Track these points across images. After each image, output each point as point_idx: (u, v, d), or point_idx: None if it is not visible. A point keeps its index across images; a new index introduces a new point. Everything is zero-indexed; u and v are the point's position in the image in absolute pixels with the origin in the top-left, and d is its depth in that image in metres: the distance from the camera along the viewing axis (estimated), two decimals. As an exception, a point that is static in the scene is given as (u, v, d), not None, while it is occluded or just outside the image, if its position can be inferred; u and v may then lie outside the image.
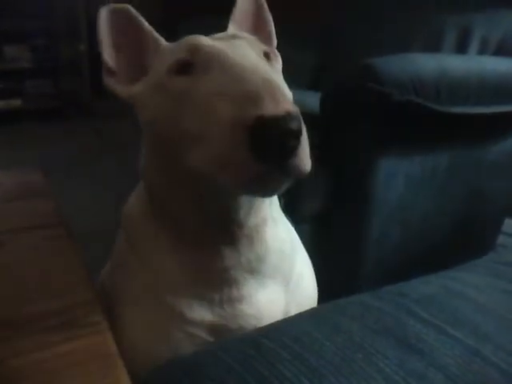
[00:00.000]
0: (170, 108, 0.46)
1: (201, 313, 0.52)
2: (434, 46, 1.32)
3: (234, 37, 0.51)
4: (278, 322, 0.48)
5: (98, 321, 0.43)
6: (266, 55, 0.50)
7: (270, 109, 0.36)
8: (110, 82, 0.55)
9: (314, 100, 0.99)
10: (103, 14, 0.54)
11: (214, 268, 0.51)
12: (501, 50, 1.24)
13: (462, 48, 1.29)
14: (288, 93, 0.48)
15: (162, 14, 2.88)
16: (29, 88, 3.09)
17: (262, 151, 0.36)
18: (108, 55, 0.55)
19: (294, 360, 0.39)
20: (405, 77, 0.87)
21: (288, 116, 0.36)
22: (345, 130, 0.96)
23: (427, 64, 0.91)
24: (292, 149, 0.37)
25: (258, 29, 0.62)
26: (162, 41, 0.55)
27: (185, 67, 0.46)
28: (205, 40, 0.48)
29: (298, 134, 0.37)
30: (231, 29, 0.59)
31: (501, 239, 1.34)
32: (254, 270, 0.53)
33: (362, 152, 0.96)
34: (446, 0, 1.39)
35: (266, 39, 0.60)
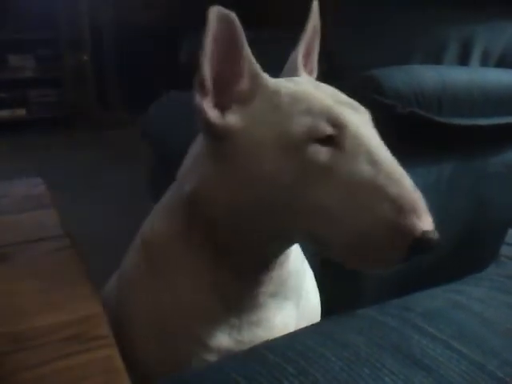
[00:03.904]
0: (302, 175, 0.44)
1: (218, 339, 0.52)
2: (435, 57, 1.33)
3: (354, 107, 0.48)
4: (283, 336, 0.47)
5: (104, 335, 0.43)
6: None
7: (428, 223, 0.42)
8: (202, 104, 0.47)
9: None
10: (212, 16, 0.44)
11: (247, 294, 0.52)
12: (503, 62, 1.24)
13: (463, 60, 1.29)
14: None
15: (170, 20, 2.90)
16: (33, 98, 3.10)
17: (415, 253, 0.42)
18: (207, 69, 0.46)
19: (300, 375, 0.38)
20: (407, 88, 0.87)
21: (435, 228, 0.43)
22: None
23: (429, 76, 0.91)
24: (434, 248, 0.43)
25: (307, 56, 0.60)
26: (260, 69, 0.49)
27: (326, 139, 0.45)
28: (348, 115, 0.46)
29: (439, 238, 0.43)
30: (299, 58, 0.57)
31: (504, 250, 1.34)
32: (276, 293, 0.54)
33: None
34: (447, 12, 1.40)
35: (311, 65, 0.60)
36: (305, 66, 0.59)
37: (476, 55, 1.28)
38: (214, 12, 0.44)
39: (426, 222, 0.42)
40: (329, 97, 0.48)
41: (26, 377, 0.39)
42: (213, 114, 0.47)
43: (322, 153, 0.44)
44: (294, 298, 0.57)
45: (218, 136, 0.48)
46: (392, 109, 0.85)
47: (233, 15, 0.45)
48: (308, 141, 0.44)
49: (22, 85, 3.06)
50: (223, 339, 0.52)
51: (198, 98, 0.47)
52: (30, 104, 3.11)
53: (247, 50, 0.48)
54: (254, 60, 0.48)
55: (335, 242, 0.44)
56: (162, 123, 1.44)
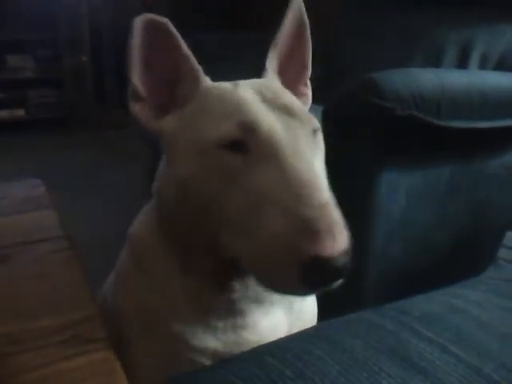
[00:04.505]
0: (213, 181, 0.43)
1: (204, 340, 0.51)
2: (434, 60, 1.33)
3: (287, 110, 0.46)
4: (281, 339, 0.48)
5: (102, 337, 0.43)
6: (314, 132, 0.48)
7: (327, 249, 0.36)
8: (134, 108, 0.48)
9: (315, 115, 1.00)
10: (139, 24, 0.46)
11: (222, 299, 0.51)
12: (501, 65, 1.25)
13: (462, 63, 1.30)
14: (324, 182, 0.44)
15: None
16: (32, 98, 3.10)
17: (310, 281, 0.38)
18: (137, 75, 0.47)
19: (297, 379, 0.39)
20: (406, 91, 0.87)
21: (342, 255, 0.37)
22: (346, 144, 0.97)
23: (428, 79, 0.91)
24: (339, 278, 0.39)
25: (295, 52, 0.57)
26: (201, 72, 0.49)
27: (237, 144, 0.43)
28: (264, 120, 0.43)
29: (347, 267, 0.38)
30: (271, 58, 0.55)
31: (502, 253, 1.34)
32: (261, 300, 0.53)
33: (363, 166, 0.96)
34: (446, 15, 1.40)
35: (301, 65, 0.58)
36: (289, 66, 0.57)
37: (475, 58, 1.28)
38: (141, 20, 0.45)
39: (321, 246, 0.36)
40: (262, 101, 0.46)
41: (25, 379, 0.39)
42: (145, 118, 0.48)
43: (228, 158, 0.42)
44: (284, 304, 0.56)
45: (160, 138, 0.49)
46: (391, 111, 0.85)
47: (165, 21, 0.46)
48: (218, 146, 0.43)
49: (21, 85, 3.06)
50: (209, 341, 0.52)
51: (131, 103, 0.48)
52: (29, 104, 3.10)
53: (186, 54, 0.48)
54: (194, 64, 0.49)
55: (242, 256, 0.42)
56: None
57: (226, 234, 0.43)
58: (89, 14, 3.04)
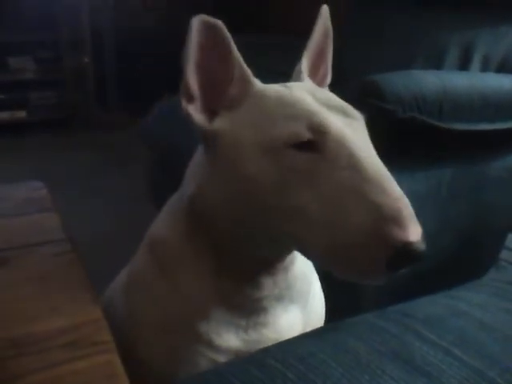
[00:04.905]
0: (281, 179, 0.44)
1: (227, 339, 0.52)
2: (435, 62, 1.33)
3: (343, 110, 0.47)
4: (283, 341, 0.47)
5: (105, 340, 0.43)
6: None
7: (413, 235, 0.39)
8: (189, 109, 0.48)
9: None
10: (196, 25, 0.46)
11: (251, 297, 0.52)
12: (503, 67, 1.25)
13: (464, 65, 1.29)
14: None
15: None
16: (33, 99, 3.10)
17: (396, 265, 0.40)
18: (191, 76, 0.48)
19: (300, 381, 0.39)
20: (408, 93, 0.87)
21: (423, 239, 0.40)
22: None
23: (430, 81, 0.92)
24: (420, 261, 0.41)
25: (319, 60, 0.59)
26: (251, 75, 0.50)
27: (306, 144, 0.44)
28: (332, 121, 0.45)
29: (426, 251, 0.40)
30: (304, 63, 0.57)
31: (504, 254, 1.34)
32: (283, 297, 0.54)
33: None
34: (447, 16, 1.40)
35: (324, 70, 0.60)
36: (315, 71, 0.59)
37: (477, 60, 1.28)
38: (198, 20, 0.46)
39: (409, 233, 0.39)
40: (318, 102, 0.47)
41: (27, 382, 0.39)
42: (199, 118, 0.49)
43: (300, 158, 0.43)
44: (301, 302, 0.57)
45: (208, 140, 0.49)
46: (393, 114, 0.85)
47: (219, 23, 0.47)
48: (287, 146, 0.44)
49: (22, 87, 3.06)
50: (231, 339, 0.53)
51: (183, 103, 0.48)
52: (30, 106, 3.10)
53: (237, 56, 0.49)
54: (244, 66, 0.49)
55: (316, 249, 0.43)
56: (161, 126, 1.44)
57: (298, 229, 0.44)
58: (90, 14, 3.04)
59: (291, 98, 0.47)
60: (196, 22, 0.46)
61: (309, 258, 0.49)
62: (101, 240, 1.60)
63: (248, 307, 0.53)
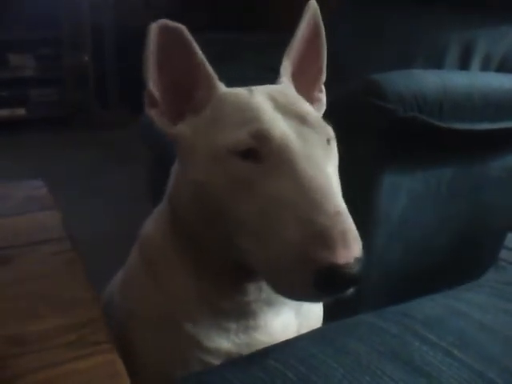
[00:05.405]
0: (227, 187, 0.43)
1: (217, 341, 0.52)
2: (436, 62, 1.33)
3: (301, 118, 0.46)
4: (284, 342, 0.48)
5: (105, 339, 0.43)
6: (328, 141, 0.48)
7: (342, 257, 0.37)
8: (151, 114, 0.49)
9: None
10: (154, 30, 0.46)
11: (235, 302, 0.51)
12: (503, 67, 1.25)
13: (464, 64, 1.29)
14: (338, 190, 0.45)
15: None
16: (33, 97, 3.09)
17: (324, 288, 0.38)
18: (152, 81, 0.47)
19: (300, 382, 0.39)
20: (408, 93, 0.87)
21: (356, 263, 0.37)
22: (348, 145, 0.97)
23: (431, 80, 0.91)
24: (352, 286, 0.39)
25: (309, 57, 0.57)
26: (216, 79, 0.50)
27: (250, 151, 0.43)
28: (278, 129, 0.44)
29: (360, 275, 0.38)
30: (285, 63, 0.55)
31: (503, 254, 1.34)
32: (272, 301, 0.53)
33: (364, 167, 0.96)
34: (447, 16, 1.40)
35: (316, 70, 0.58)
36: (304, 69, 0.57)
37: (477, 59, 1.28)
38: (157, 25, 0.45)
39: (335, 254, 0.37)
40: (276, 108, 0.46)
41: (28, 381, 0.39)
42: (162, 123, 0.49)
43: (242, 166, 0.43)
44: (295, 305, 0.56)
45: (174, 144, 0.50)
46: (393, 113, 0.85)
47: (180, 27, 0.47)
48: (232, 154, 0.43)
49: (22, 84, 3.06)
50: (221, 342, 0.52)
51: (146, 108, 0.48)
52: (30, 103, 3.10)
53: (201, 60, 0.48)
54: (209, 69, 0.49)
55: (256, 263, 0.43)
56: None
57: (240, 239, 0.43)
58: (90, 12, 3.04)
59: (246, 103, 0.46)
60: (154, 27, 0.46)
61: (256, 272, 0.46)
62: (101, 239, 1.60)
63: (235, 311, 0.52)
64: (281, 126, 0.44)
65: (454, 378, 0.39)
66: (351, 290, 0.41)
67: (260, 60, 1.65)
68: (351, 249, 0.37)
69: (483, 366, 0.41)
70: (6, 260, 0.57)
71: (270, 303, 0.53)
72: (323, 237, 0.37)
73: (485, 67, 1.27)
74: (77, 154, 2.62)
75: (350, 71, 1.41)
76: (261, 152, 0.43)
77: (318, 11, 0.56)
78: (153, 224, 0.57)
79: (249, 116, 0.45)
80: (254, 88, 0.50)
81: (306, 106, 0.49)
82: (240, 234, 0.43)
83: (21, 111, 3.08)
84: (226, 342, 0.52)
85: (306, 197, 0.39)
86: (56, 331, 0.44)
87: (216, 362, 0.51)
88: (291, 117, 0.46)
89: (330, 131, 0.48)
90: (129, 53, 3.15)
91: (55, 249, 0.60)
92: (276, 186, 0.41)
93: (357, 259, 0.37)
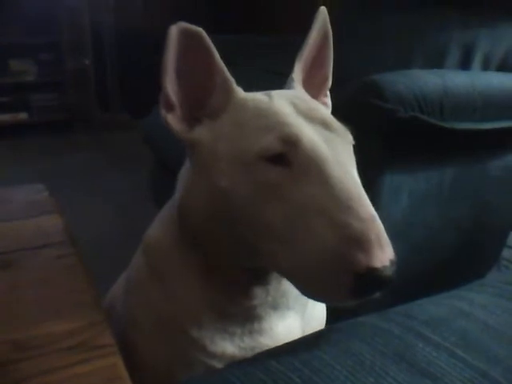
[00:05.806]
0: (253, 192, 0.43)
1: (222, 345, 0.52)
2: (436, 62, 1.33)
3: (324, 123, 0.46)
4: (288, 344, 0.47)
5: (108, 343, 0.43)
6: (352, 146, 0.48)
7: (379, 259, 0.37)
8: (167, 118, 0.48)
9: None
10: (174, 33, 0.45)
11: (242, 305, 0.51)
12: (504, 67, 1.25)
13: (465, 64, 1.29)
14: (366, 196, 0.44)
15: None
16: (34, 101, 3.11)
17: (360, 290, 0.39)
18: (170, 84, 0.47)
19: (304, 384, 0.39)
20: (409, 93, 0.87)
21: (391, 265, 0.38)
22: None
23: (431, 80, 0.91)
24: (387, 287, 0.39)
25: (317, 63, 0.58)
26: (234, 83, 0.49)
27: (278, 156, 0.43)
28: (305, 133, 0.43)
29: (395, 276, 0.39)
30: (297, 69, 0.56)
31: (506, 253, 1.34)
32: (278, 304, 0.53)
33: (366, 168, 0.95)
34: (448, 16, 1.40)
35: (323, 75, 0.58)
36: (313, 75, 0.58)
37: (477, 60, 1.28)
38: (177, 29, 0.45)
39: (373, 258, 0.37)
40: (298, 113, 0.46)
41: (29, 386, 0.39)
42: (178, 127, 0.48)
43: (270, 172, 0.42)
44: (299, 308, 0.57)
45: (189, 148, 0.49)
46: (394, 113, 0.85)
47: (200, 31, 0.46)
48: (259, 159, 0.43)
49: (23, 89, 3.07)
50: (226, 346, 0.52)
51: (163, 112, 0.48)
52: (31, 108, 3.11)
53: (219, 64, 0.48)
54: (227, 74, 0.48)
55: (283, 267, 0.43)
56: (163, 127, 1.44)
57: (264, 244, 0.43)
58: (90, 17, 3.05)
59: (268, 108, 0.46)
60: (174, 30, 0.45)
61: (281, 275, 0.47)
62: (102, 243, 1.60)
63: (241, 315, 0.52)
64: (308, 131, 0.44)
65: (459, 379, 0.39)
66: (382, 292, 0.41)
67: (262, 63, 1.65)
68: (386, 252, 0.38)
69: (487, 366, 0.41)
70: (7, 264, 0.57)
71: (275, 307, 0.53)
72: (360, 240, 0.38)
73: (485, 68, 1.27)
74: (78, 157, 2.63)
75: (350, 72, 1.40)
76: (289, 157, 0.43)
77: (328, 18, 0.56)
78: (159, 228, 0.56)
79: (272, 121, 0.45)
80: (272, 93, 0.50)
81: (326, 111, 0.50)
82: (264, 239, 0.43)
83: (22, 116, 3.09)
84: (230, 345, 0.52)
85: (340, 202, 0.40)
86: (58, 335, 0.44)
87: (220, 365, 0.51)
88: (314, 122, 0.46)
89: (351, 137, 0.48)
90: (129, 56, 3.16)
91: (57, 253, 0.60)
92: (307, 190, 0.41)
93: (391, 261, 0.38)
